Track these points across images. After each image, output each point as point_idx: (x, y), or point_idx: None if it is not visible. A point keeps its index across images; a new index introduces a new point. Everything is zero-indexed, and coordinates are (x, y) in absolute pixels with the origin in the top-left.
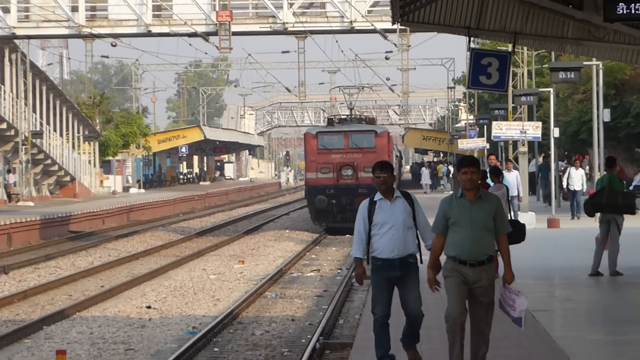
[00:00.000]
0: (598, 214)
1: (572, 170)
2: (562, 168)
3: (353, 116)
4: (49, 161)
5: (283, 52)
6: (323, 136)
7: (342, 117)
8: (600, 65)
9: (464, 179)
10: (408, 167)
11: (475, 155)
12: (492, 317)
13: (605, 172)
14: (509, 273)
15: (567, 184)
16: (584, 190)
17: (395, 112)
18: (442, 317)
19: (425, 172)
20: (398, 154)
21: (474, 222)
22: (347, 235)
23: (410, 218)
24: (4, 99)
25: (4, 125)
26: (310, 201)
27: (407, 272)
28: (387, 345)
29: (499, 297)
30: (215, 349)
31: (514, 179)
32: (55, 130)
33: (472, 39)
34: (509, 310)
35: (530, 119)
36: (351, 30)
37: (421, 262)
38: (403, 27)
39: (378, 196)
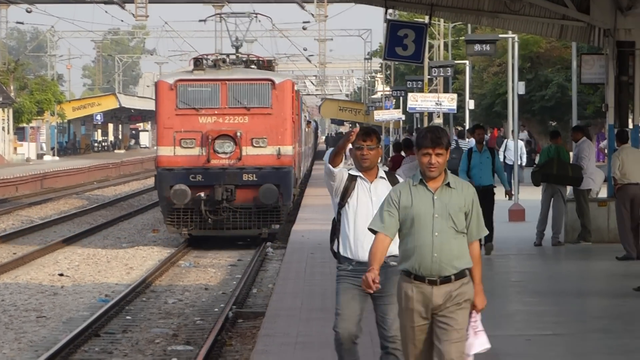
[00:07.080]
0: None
1: (509, 142)
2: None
3: (237, 56)
4: None
5: (200, 20)
6: (186, 87)
7: (219, 57)
8: (516, 38)
9: (425, 163)
10: (324, 138)
11: (391, 126)
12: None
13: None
14: (480, 295)
15: (504, 157)
16: (524, 163)
17: (312, 82)
18: None
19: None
20: (313, 123)
21: (439, 219)
22: (229, 251)
23: None
24: None
25: None
26: (164, 194)
27: (386, 280)
28: None
29: None
30: (128, 317)
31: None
32: None
33: (389, 10)
34: None
35: (445, 91)
36: (269, 0)
37: None
38: None
39: (357, 172)
